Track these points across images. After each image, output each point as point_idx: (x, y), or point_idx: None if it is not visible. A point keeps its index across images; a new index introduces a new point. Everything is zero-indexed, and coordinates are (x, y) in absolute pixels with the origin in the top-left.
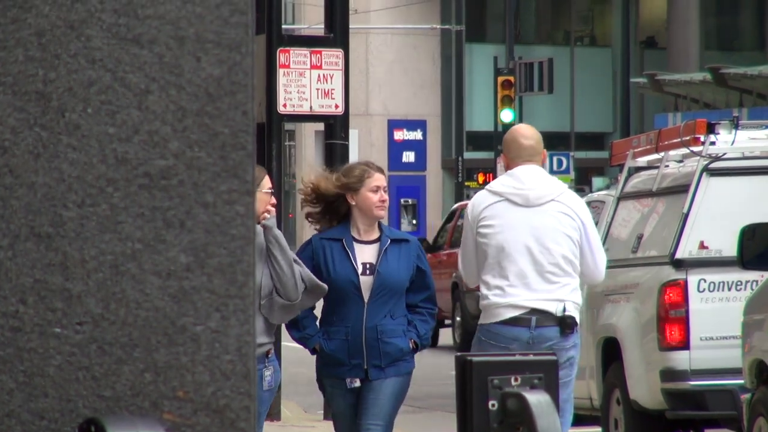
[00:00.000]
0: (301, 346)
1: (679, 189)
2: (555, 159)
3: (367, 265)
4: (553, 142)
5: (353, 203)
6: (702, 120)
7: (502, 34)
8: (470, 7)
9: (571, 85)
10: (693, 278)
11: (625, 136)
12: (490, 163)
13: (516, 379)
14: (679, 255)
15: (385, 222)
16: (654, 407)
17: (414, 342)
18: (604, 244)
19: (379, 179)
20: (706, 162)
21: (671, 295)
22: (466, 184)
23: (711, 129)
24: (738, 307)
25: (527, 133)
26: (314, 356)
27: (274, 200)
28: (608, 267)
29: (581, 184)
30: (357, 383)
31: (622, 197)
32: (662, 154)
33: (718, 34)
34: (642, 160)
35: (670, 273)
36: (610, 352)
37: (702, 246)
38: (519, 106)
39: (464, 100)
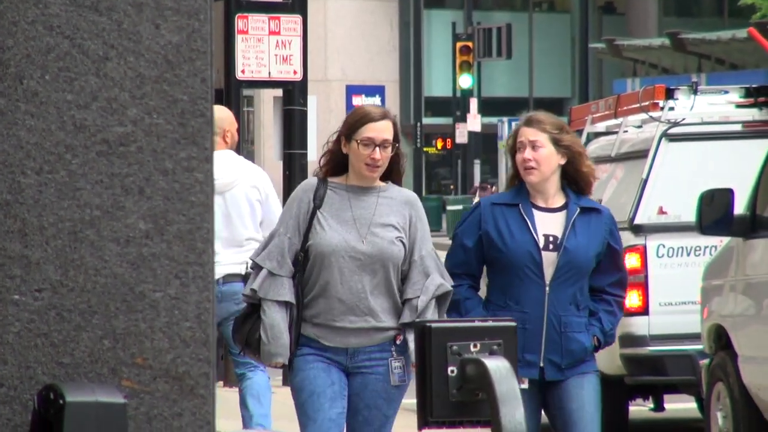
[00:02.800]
0: None
1: (638, 154)
2: (513, 124)
3: (550, 238)
4: (512, 107)
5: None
6: (661, 85)
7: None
8: None
9: (529, 50)
10: (652, 243)
11: (583, 102)
12: (448, 129)
13: (475, 346)
14: (638, 220)
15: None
16: (613, 373)
17: (597, 339)
18: None
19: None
20: (664, 127)
21: (630, 260)
22: (425, 149)
23: (670, 94)
24: (697, 272)
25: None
26: None
27: None
28: None
29: None
30: (525, 384)
31: None
32: (621, 119)
33: (676, 0)
34: (601, 126)
35: (629, 238)
36: None
37: (661, 211)
38: (477, 71)
39: (422, 66)
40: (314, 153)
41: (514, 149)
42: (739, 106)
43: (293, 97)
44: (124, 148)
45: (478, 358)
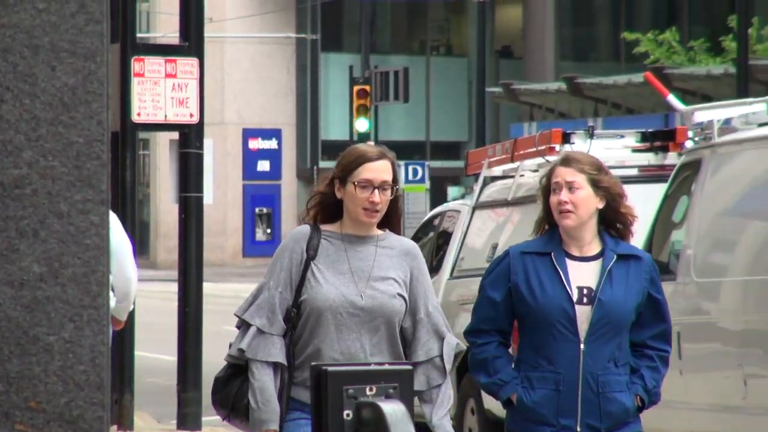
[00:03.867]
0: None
1: (535, 199)
2: (410, 168)
3: (584, 290)
4: (409, 151)
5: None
6: (557, 129)
7: (357, 43)
8: (326, 16)
9: (426, 94)
10: None
11: (480, 146)
12: None
13: (371, 389)
14: None
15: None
16: None
17: (640, 398)
18: (459, 253)
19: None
20: None
21: None
22: None
23: (566, 138)
24: None
25: None
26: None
27: None
28: (464, 276)
29: (437, 193)
30: None
31: (478, 206)
32: (518, 163)
33: (573, 44)
34: (497, 170)
35: None
36: (464, 362)
37: None
38: (374, 115)
39: (319, 109)
40: (210, 196)
41: (547, 190)
42: (635, 150)
43: (189, 140)
44: (19, 190)
45: (373, 402)
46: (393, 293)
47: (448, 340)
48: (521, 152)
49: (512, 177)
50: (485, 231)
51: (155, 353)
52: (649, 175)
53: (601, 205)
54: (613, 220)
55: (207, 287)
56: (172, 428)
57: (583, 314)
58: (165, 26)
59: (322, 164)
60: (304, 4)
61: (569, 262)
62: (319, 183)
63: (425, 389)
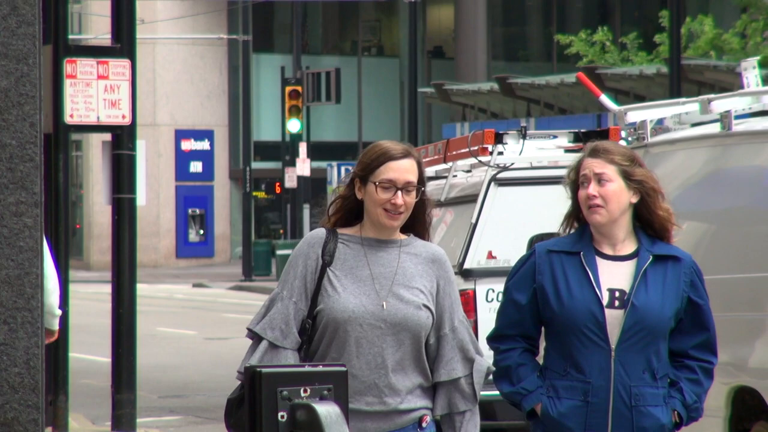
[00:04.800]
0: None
1: (468, 199)
2: (343, 169)
3: (616, 293)
4: (341, 151)
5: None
6: (490, 130)
7: (289, 44)
8: (257, 17)
9: (358, 95)
10: (481, 288)
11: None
12: (278, 173)
13: (305, 391)
14: (467, 265)
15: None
16: None
17: (677, 414)
18: None
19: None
20: (493, 172)
21: None
22: (254, 194)
23: (499, 139)
24: None
25: None
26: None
27: None
28: None
29: None
30: None
31: None
32: (450, 164)
33: (505, 44)
34: (430, 170)
35: (459, 283)
36: None
37: (490, 255)
38: (306, 116)
39: (251, 110)
40: (143, 198)
41: (576, 184)
42: (567, 150)
43: (122, 141)
44: None
45: (308, 403)
46: (418, 304)
47: (479, 364)
48: (454, 153)
49: (445, 177)
50: None
51: (89, 355)
52: None
53: (634, 200)
54: (648, 220)
55: (141, 288)
56: (106, 429)
57: (615, 319)
58: (97, 28)
59: (255, 165)
60: (236, 5)
61: (600, 262)
62: (339, 187)
63: (446, 414)
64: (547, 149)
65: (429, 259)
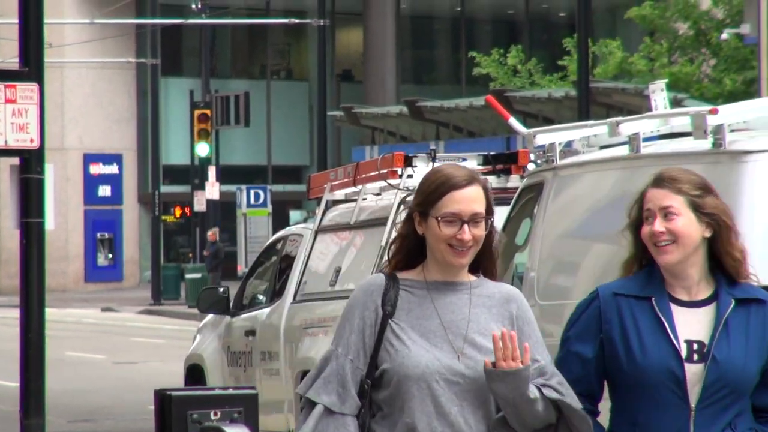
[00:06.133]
0: None
1: (377, 222)
2: (252, 192)
3: (694, 345)
4: (251, 175)
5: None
6: (399, 153)
7: (198, 67)
8: (165, 41)
9: (267, 118)
10: None
11: (322, 170)
12: (187, 197)
13: (216, 413)
14: None
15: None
16: None
17: None
18: (302, 277)
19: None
20: (403, 195)
21: None
22: (163, 218)
23: (408, 162)
24: None
25: None
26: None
27: None
28: (307, 300)
29: (279, 217)
30: None
31: (320, 230)
32: (360, 187)
33: (414, 68)
34: (340, 194)
35: None
36: None
37: None
38: (216, 139)
39: (160, 134)
40: (52, 222)
41: (639, 221)
42: None
43: (30, 165)
44: None
45: (218, 426)
46: None
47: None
48: (363, 176)
49: (355, 200)
50: (328, 255)
51: None
52: None
53: (707, 234)
54: (722, 256)
55: (49, 313)
56: None
57: (695, 375)
58: (4, 51)
59: (164, 189)
60: (144, 29)
61: (675, 309)
62: (398, 224)
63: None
64: None
65: (503, 300)
